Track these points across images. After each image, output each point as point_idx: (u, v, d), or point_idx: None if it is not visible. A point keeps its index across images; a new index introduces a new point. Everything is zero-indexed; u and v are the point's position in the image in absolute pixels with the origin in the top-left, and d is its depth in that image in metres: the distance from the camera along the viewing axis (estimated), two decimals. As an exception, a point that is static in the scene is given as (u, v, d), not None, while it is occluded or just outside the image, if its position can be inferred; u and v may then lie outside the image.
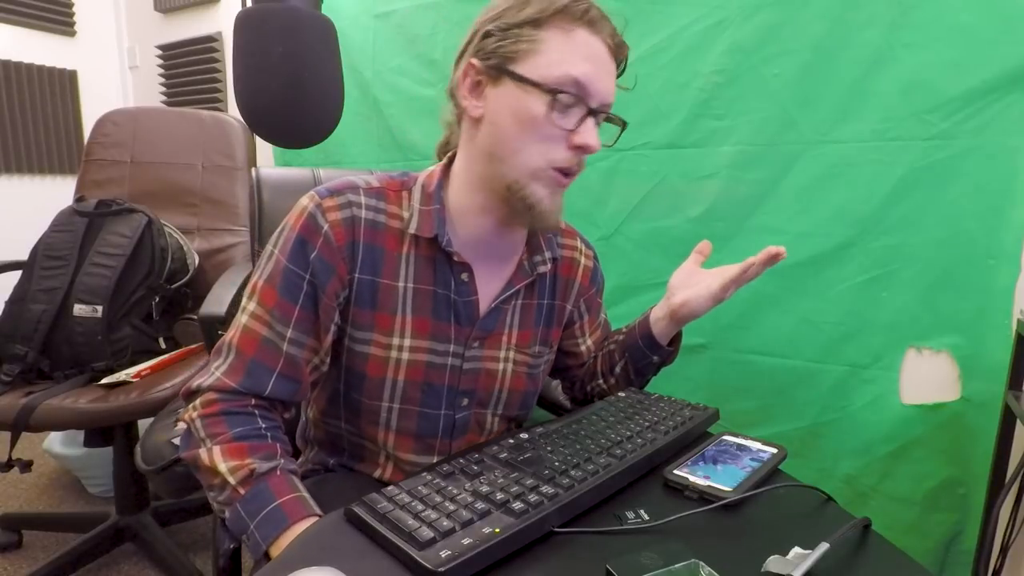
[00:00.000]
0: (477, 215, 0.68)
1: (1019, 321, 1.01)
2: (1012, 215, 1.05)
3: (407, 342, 0.68)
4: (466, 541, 0.45)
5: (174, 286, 1.47)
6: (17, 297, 1.34)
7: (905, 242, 1.13)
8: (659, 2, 1.30)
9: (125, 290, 1.35)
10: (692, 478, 0.58)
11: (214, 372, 0.63)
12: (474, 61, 0.63)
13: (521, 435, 0.63)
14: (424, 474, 0.55)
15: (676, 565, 0.44)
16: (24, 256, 1.38)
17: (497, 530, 0.46)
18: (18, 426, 1.14)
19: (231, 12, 1.72)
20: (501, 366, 0.74)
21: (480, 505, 0.49)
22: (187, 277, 1.51)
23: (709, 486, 0.56)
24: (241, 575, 0.76)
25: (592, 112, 0.63)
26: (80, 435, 1.38)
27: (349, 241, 0.65)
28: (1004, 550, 1.06)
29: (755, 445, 0.66)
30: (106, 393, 1.23)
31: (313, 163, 1.35)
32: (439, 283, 0.68)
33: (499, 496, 0.50)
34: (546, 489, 0.52)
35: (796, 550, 0.47)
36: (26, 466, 1.25)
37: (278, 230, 0.66)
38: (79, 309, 1.30)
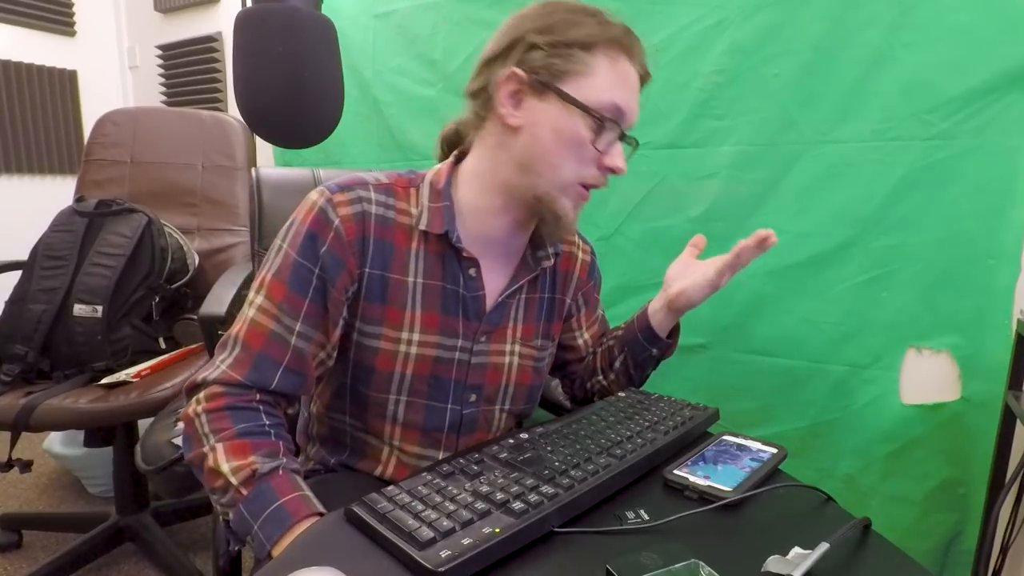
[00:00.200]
0: (492, 215, 0.69)
1: (1019, 321, 1.01)
2: (1012, 215, 1.05)
3: (416, 336, 0.69)
4: (466, 541, 0.45)
5: (174, 286, 1.47)
6: (17, 297, 1.34)
7: (905, 242, 1.13)
8: (659, 2, 1.30)
9: (125, 290, 1.35)
10: (692, 478, 0.58)
11: (219, 365, 0.62)
12: (518, 71, 0.64)
13: (521, 435, 0.63)
14: (424, 474, 0.55)
15: (676, 565, 0.44)
16: (24, 256, 1.38)
17: (497, 530, 0.46)
18: (18, 426, 1.14)
19: (231, 12, 1.72)
20: (507, 360, 0.75)
21: (480, 505, 0.49)
22: (187, 277, 1.51)
23: (709, 486, 0.57)
24: (241, 575, 0.76)
25: (622, 136, 0.67)
26: (80, 435, 1.38)
27: (360, 236, 0.65)
28: (1004, 550, 1.06)
29: (755, 445, 0.66)
30: (106, 393, 1.22)
31: (313, 163, 1.35)
32: (448, 278, 0.69)
33: (499, 496, 0.50)
34: (546, 489, 0.52)
35: (796, 550, 0.47)
36: (26, 466, 1.25)
37: (286, 225, 0.66)
38: (79, 309, 1.30)
